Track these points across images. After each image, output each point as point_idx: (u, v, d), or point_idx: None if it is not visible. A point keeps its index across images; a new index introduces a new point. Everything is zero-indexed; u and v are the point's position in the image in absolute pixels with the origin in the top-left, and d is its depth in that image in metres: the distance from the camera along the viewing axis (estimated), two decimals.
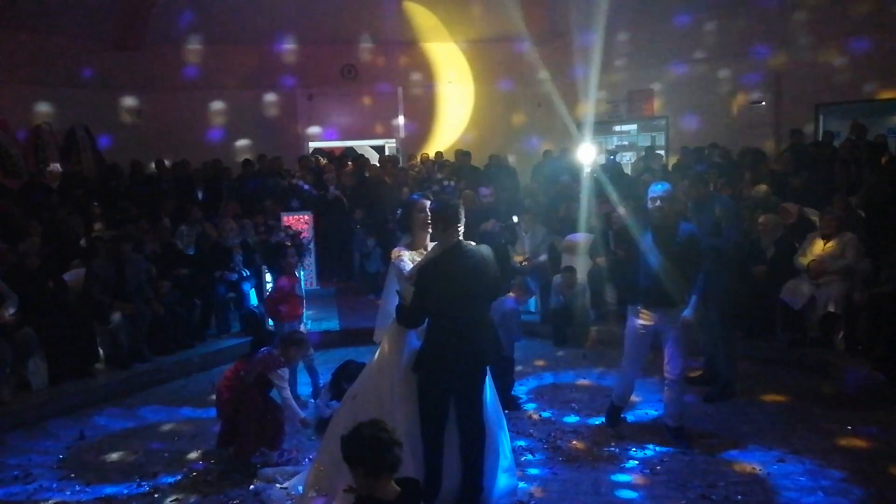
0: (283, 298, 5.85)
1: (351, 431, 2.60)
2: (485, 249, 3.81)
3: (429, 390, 3.68)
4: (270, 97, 12.90)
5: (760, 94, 11.31)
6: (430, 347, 3.66)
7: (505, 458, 3.99)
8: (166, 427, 5.42)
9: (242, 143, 12.57)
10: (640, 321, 4.66)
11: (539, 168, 12.06)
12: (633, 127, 13.35)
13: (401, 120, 13.68)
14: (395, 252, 3.90)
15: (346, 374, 5.27)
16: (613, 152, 12.47)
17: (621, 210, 7.37)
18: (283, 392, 4.50)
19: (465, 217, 3.84)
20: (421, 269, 3.70)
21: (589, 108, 13.06)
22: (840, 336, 6.24)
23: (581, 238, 8.33)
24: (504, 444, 4.02)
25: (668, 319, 4.60)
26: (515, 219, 8.63)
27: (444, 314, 3.64)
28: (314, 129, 13.46)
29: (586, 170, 9.18)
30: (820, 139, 10.32)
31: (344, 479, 3.64)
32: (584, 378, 6.26)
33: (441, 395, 3.69)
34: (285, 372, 4.56)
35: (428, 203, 3.88)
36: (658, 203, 4.59)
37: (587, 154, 9.78)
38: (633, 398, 5.61)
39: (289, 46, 12.70)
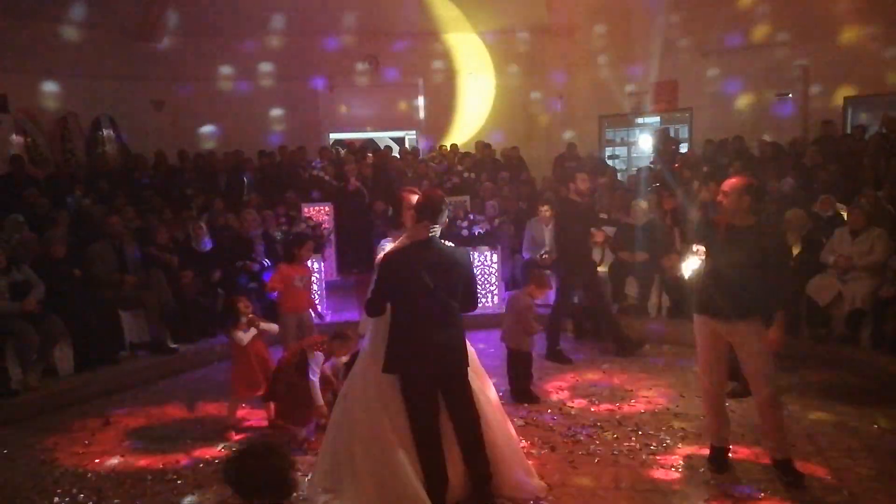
0: (282, 286, 5.81)
1: (236, 462, 2.32)
2: (458, 252, 3.71)
3: (407, 388, 3.61)
4: (291, 88, 12.93)
5: (787, 86, 11.11)
6: (392, 342, 3.59)
7: (514, 451, 3.94)
8: (189, 414, 5.49)
9: (262, 133, 12.62)
10: (707, 327, 4.07)
11: (561, 160, 11.99)
12: (657, 119, 13.20)
13: (422, 111, 13.65)
14: (381, 244, 3.93)
15: None
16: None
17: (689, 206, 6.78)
18: (312, 376, 4.64)
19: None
20: (384, 257, 3.70)
21: (611, 100, 12.98)
22: (867, 332, 6.13)
23: (603, 231, 8.27)
24: (512, 435, 3.99)
25: (741, 333, 3.94)
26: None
27: (402, 307, 3.58)
28: (335, 120, 13.49)
29: (641, 163, 8.92)
30: (848, 132, 10.13)
31: (346, 477, 3.69)
32: (604, 372, 6.22)
33: (421, 391, 3.60)
34: (320, 357, 4.69)
35: (415, 197, 3.85)
36: (719, 197, 4.08)
37: (646, 145, 9.61)
38: (648, 390, 5.60)
39: (310, 37, 12.71)
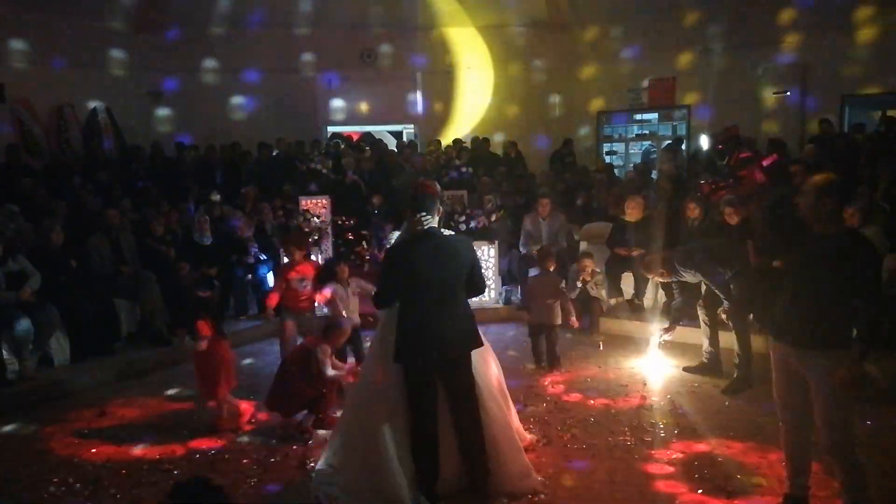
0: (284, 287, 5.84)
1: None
2: (459, 241, 3.76)
3: (410, 376, 3.66)
4: (289, 81, 12.90)
5: (785, 83, 11.14)
6: (400, 333, 3.64)
7: (514, 444, 3.95)
8: (185, 405, 5.49)
9: (260, 126, 12.59)
10: (779, 355, 3.47)
11: (558, 156, 12.00)
12: (654, 116, 13.23)
13: (419, 105, 13.64)
14: (389, 236, 4.01)
15: None
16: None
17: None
18: (325, 369, 4.70)
19: None
20: (387, 251, 3.81)
21: (609, 96, 13.00)
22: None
23: (599, 227, 8.30)
24: (514, 430, 4.01)
25: (815, 366, 3.25)
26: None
27: (408, 298, 3.63)
28: (332, 114, 13.47)
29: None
30: (845, 130, 10.16)
31: (347, 457, 3.80)
32: (600, 366, 6.25)
33: (421, 379, 3.64)
34: (328, 348, 4.76)
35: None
36: (800, 198, 3.40)
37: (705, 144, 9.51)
38: (643, 386, 5.63)
39: (308, 30, 12.68)
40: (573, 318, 6.15)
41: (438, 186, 3.90)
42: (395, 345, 3.64)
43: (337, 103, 13.45)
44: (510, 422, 4.02)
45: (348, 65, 13.20)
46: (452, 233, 3.86)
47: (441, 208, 3.83)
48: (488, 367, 4.06)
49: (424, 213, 3.63)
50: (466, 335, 3.73)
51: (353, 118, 13.68)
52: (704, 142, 11.01)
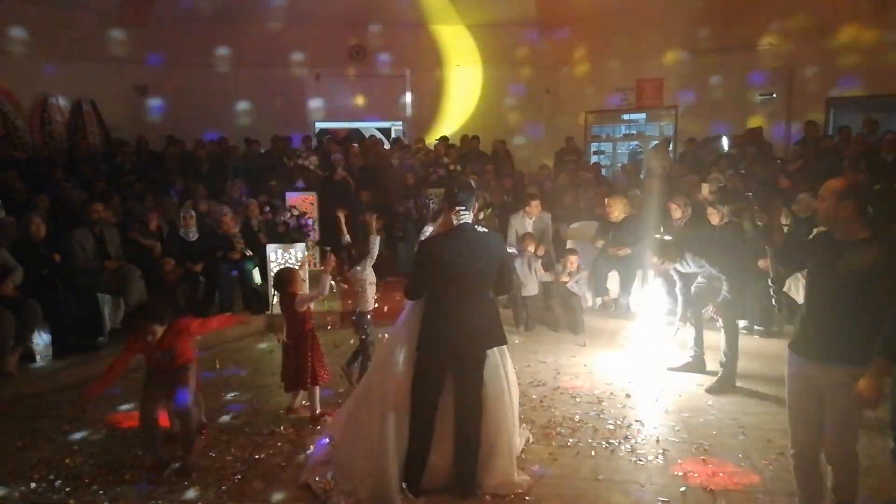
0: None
1: None
2: (491, 238, 3.83)
3: (422, 364, 3.72)
4: (277, 77, 12.81)
5: (771, 86, 11.23)
6: (424, 324, 3.72)
7: (507, 446, 3.96)
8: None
9: (248, 121, 12.50)
10: (797, 368, 3.27)
11: (561, 154, 12.08)
12: (642, 116, 13.29)
13: (408, 102, 13.62)
14: (424, 230, 4.11)
15: None
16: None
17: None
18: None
19: None
20: (420, 244, 3.88)
21: (597, 96, 13.05)
22: None
23: (586, 226, 8.33)
24: (510, 430, 4.01)
25: (834, 381, 3.07)
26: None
27: (437, 291, 3.69)
28: (321, 110, 13.41)
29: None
30: (830, 133, 10.27)
31: (347, 432, 3.94)
32: (584, 365, 6.28)
33: (433, 370, 3.71)
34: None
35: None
36: (815, 203, 3.29)
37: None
38: (629, 385, 5.66)
39: (297, 26, 12.61)
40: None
41: (473, 183, 3.97)
42: (419, 335, 3.71)
43: (326, 100, 13.38)
44: (510, 426, 4.02)
45: (337, 61, 13.14)
46: (486, 229, 3.91)
47: (477, 205, 3.90)
48: (502, 367, 4.03)
49: (463, 209, 3.70)
50: (489, 332, 3.80)
51: (341, 115, 13.63)
52: (725, 143, 11.08)
